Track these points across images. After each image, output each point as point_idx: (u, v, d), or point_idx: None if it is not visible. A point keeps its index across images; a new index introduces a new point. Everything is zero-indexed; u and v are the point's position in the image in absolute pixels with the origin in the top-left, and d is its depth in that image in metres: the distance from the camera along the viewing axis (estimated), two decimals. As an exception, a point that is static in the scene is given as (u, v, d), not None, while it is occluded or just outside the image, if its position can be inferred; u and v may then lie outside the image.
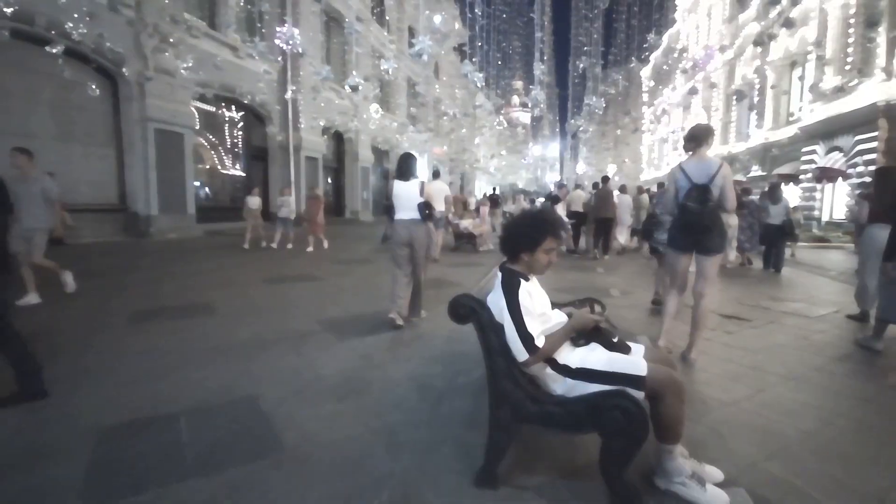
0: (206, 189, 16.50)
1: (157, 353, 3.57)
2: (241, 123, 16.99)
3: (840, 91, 14.71)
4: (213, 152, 16.50)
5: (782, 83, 20.53)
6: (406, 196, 4.40)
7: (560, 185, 10.96)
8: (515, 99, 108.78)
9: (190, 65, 12.85)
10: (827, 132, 15.64)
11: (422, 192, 4.40)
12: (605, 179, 10.37)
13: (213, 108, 15.67)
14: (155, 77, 12.59)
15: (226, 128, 16.49)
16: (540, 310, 1.95)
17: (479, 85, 11.44)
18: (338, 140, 22.87)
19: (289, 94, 15.92)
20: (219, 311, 4.93)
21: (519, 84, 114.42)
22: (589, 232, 10.27)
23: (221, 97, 15.50)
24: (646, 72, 47.35)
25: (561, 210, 10.25)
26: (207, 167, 16.32)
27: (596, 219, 9.94)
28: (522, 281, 1.93)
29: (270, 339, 3.92)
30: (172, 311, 4.85)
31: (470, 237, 10.98)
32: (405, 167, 4.47)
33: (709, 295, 3.58)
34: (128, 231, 12.34)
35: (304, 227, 10.57)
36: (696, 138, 3.60)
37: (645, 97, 48.06)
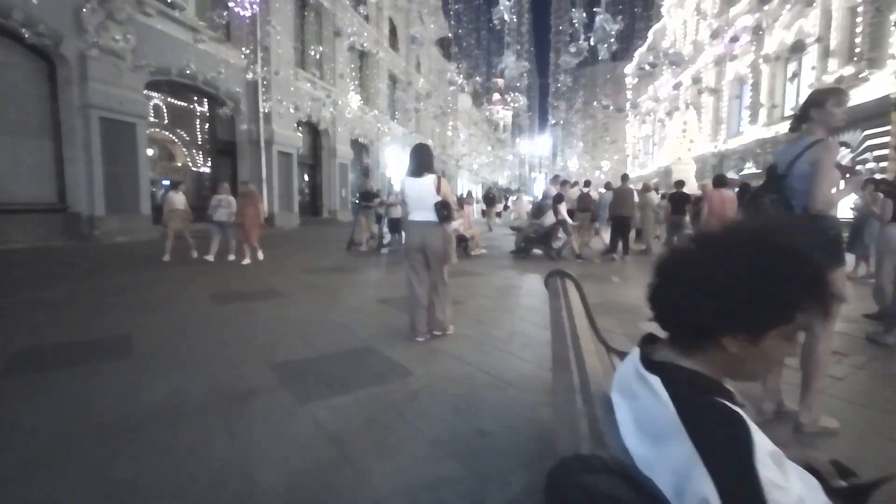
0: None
1: (6, 437, 2.27)
2: (206, 115, 15.44)
3: (847, 83, 13.98)
4: (173, 146, 14.94)
5: (777, 77, 19.87)
6: (419, 195, 3.79)
7: (563, 182, 9.81)
8: (496, 96, 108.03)
9: (135, 45, 11.31)
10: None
11: (438, 190, 3.76)
12: (625, 177, 10.06)
13: (172, 97, 14.09)
14: (99, 58, 11.04)
15: (187, 119, 14.92)
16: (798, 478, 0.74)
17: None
18: (314, 134, 21.40)
19: (250, 75, 14.43)
20: (137, 348, 3.61)
21: (500, 81, 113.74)
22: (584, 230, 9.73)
23: (181, 85, 13.93)
24: (629, 69, 46.82)
25: (563, 211, 9.13)
26: (168, 163, 14.77)
27: (613, 217, 9.45)
28: (742, 415, 0.71)
29: (194, 404, 2.65)
30: (71, 350, 3.53)
31: (461, 240, 9.77)
32: (418, 161, 3.85)
33: (823, 336, 2.45)
34: (69, 234, 10.76)
35: (237, 232, 8.45)
36: (800, 111, 2.58)
37: (629, 94, 47.55)
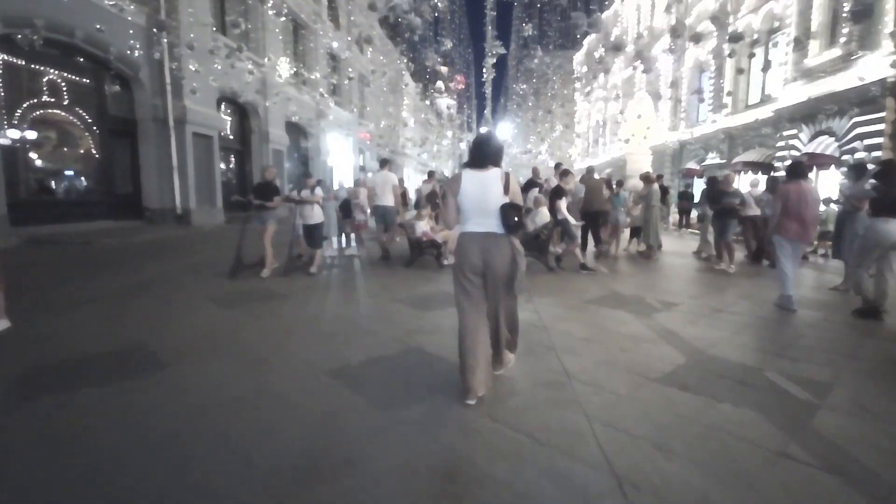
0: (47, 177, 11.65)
1: None
2: (93, 83, 12.14)
3: (831, 67, 13.08)
4: (45, 123, 11.52)
5: (742, 64, 19.08)
6: (480, 194, 2.73)
7: (565, 172, 7.72)
8: (440, 84, 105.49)
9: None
10: (812, 114, 14.03)
11: (507, 190, 2.73)
12: (591, 170, 8.62)
13: (38, 61, 10.73)
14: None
15: (66, 89, 11.56)
16: None
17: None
18: (241, 115, 18.25)
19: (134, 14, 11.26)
20: None
21: (444, 69, 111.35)
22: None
23: (54, 43, 10.62)
24: (578, 57, 46.15)
25: (564, 208, 7.17)
26: (39, 145, 11.36)
27: (585, 213, 7.93)
28: None
29: None
30: None
31: (432, 247, 7.58)
32: (483, 151, 2.81)
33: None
34: None
35: None
36: None
37: (577, 83, 46.97)
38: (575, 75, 46.75)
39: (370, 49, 17.82)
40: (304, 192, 6.87)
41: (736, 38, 10.07)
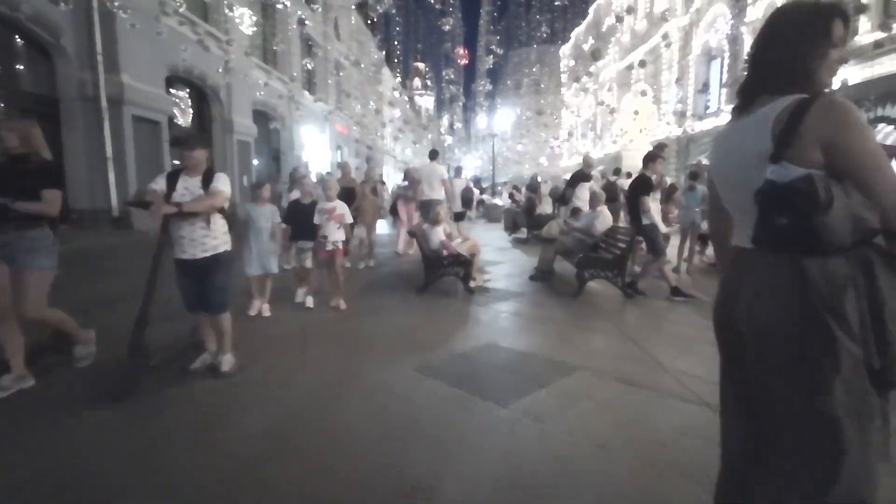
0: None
1: None
2: (-4, 50, 9.44)
3: (885, 47, 11.40)
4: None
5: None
6: (733, 163, 1.22)
7: (653, 155, 5.15)
8: (417, 82, 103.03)
9: None
10: (866, 99, 12.34)
11: (785, 140, 1.03)
12: (618, 171, 8.00)
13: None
14: None
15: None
16: None
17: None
18: (199, 100, 15.58)
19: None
20: None
21: (421, 65, 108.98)
22: None
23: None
24: (565, 50, 44.51)
25: (650, 207, 5.01)
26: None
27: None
28: None
29: None
30: None
31: (456, 264, 5.32)
32: (761, 56, 1.19)
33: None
34: None
35: None
36: None
37: (563, 77, 45.41)
38: (562, 70, 45.14)
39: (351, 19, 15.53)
40: (183, 186, 3.00)
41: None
